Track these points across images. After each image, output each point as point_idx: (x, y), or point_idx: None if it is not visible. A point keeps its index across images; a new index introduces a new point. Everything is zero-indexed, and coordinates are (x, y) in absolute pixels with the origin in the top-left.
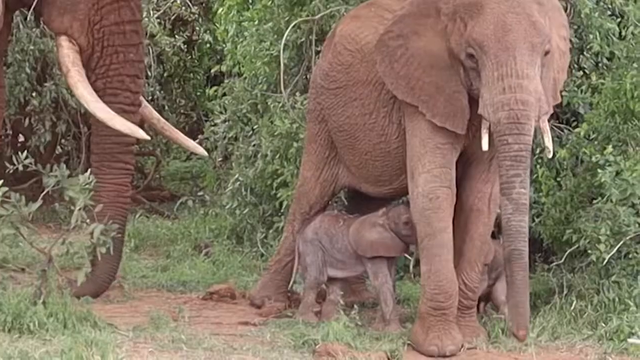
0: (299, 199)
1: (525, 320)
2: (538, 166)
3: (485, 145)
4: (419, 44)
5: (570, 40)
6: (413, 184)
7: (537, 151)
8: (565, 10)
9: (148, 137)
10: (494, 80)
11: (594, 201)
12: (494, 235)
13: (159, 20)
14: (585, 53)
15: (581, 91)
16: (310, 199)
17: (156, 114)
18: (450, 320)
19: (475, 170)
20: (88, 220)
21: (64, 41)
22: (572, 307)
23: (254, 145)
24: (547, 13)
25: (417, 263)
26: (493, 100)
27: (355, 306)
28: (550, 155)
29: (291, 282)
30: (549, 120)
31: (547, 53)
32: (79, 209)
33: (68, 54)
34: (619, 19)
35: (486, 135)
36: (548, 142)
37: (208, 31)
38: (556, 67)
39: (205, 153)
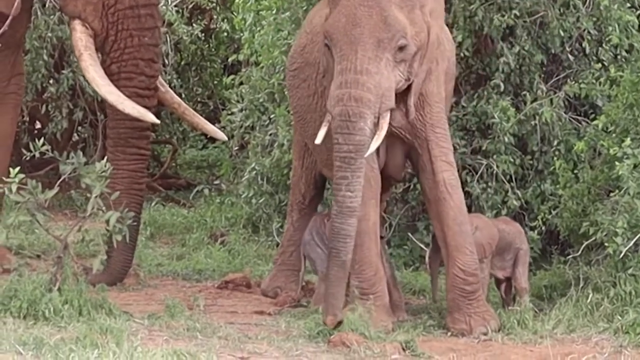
0: (293, 189)
1: (334, 309)
2: (555, 158)
3: (318, 139)
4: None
5: (589, 32)
6: None
7: (555, 143)
8: (585, 2)
9: (158, 121)
10: (337, 74)
11: (612, 194)
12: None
13: (176, 8)
14: (604, 45)
15: (600, 83)
16: (301, 188)
17: (177, 99)
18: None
19: (421, 162)
20: (104, 208)
21: (77, 25)
22: (588, 300)
23: (270, 134)
24: (418, 5)
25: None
26: (333, 94)
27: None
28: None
29: (299, 287)
30: (565, 112)
31: (401, 48)
32: (95, 197)
33: (81, 38)
34: (638, 11)
35: (324, 129)
36: (375, 141)
37: (226, 20)
38: (433, 57)
39: (225, 137)
